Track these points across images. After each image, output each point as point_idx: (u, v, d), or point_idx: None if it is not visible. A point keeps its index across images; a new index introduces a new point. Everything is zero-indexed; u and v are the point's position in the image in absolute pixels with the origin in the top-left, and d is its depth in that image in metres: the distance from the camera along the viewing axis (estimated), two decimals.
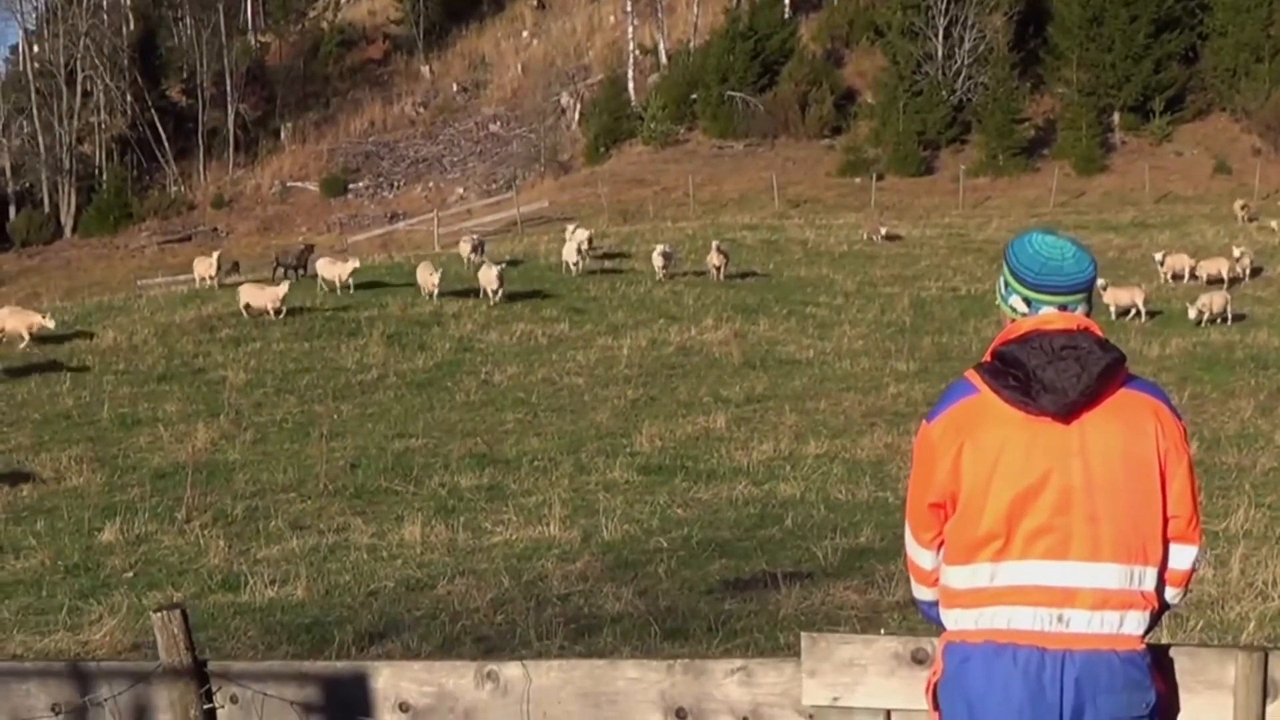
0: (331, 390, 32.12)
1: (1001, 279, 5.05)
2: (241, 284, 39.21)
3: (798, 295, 42.52)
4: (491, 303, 39.90)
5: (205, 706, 5.65)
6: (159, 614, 5.69)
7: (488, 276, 40.23)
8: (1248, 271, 43.91)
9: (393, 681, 5.68)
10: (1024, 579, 4.73)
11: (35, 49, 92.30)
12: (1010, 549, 4.74)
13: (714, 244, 46.62)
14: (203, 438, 27.20)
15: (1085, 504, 4.71)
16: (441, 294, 40.26)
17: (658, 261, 44.28)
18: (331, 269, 41.37)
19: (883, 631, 6.59)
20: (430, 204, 77.37)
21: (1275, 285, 43.83)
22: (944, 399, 4.93)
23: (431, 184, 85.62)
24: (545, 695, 5.53)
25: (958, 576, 4.85)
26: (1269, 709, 5.02)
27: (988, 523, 4.75)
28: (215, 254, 48.20)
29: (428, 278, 40.59)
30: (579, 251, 45.93)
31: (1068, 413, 4.72)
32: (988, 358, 4.89)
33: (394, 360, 34.77)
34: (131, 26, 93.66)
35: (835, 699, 5.32)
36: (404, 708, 5.65)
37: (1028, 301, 4.92)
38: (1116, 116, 77.41)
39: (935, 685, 4.94)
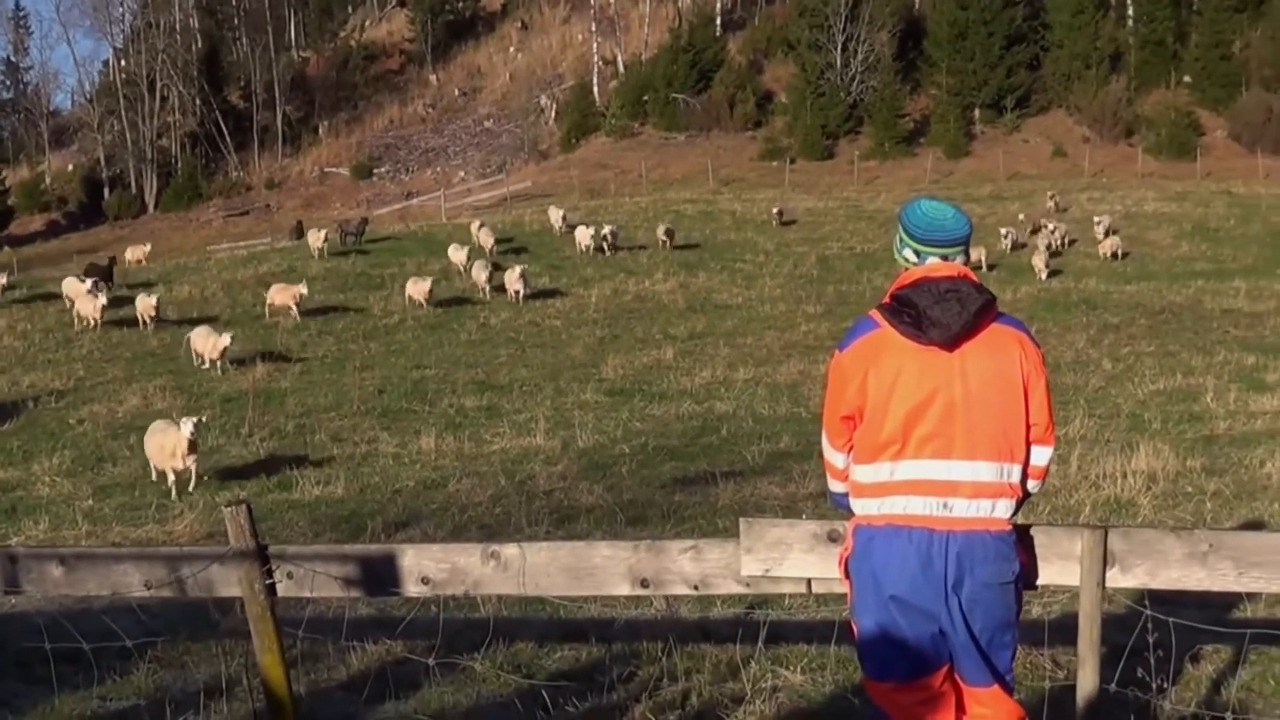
0: (362, 332, 32.03)
1: (896, 236, 5.00)
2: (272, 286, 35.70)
3: (728, 254, 42.51)
4: (518, 303, 35.16)
5: (267, 582, 5.60)
6: (229, 508, 5.63)
7: (511, 278, 35.74)
8: (1065, 241, 43.86)
9: (415, 560, 5.64)
10: (916, 474, 4.73)
11: (123, 63, 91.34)
12: (905, 450, 4.74)
13: (661, 226, 45.54)
14: (260, 370, 27.10)
15: (965, 415, 4.71)
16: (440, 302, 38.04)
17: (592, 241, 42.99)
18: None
19: (803, 516, 6.57)
20: (438, 184, 76.95)
21: (1099, 245, 43.91)
22: (852, 333, 4.90)
23: (439, 168, 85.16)
24: (537, 570, 5.51)
25: (864, 473, 4.84)
26: (1109, 574, 5.02)
27: (887, 430, 4.74)
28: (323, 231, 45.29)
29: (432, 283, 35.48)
30: (593, 238, 43.03)
31: (951, 343, 4.70)
32: (886, 300, 4.86)
33: (411, 307, 34.65)
34: (199, 45, 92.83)
35: (767, 570, 5.31)
36: (425, 580, 5.62)
37: (917, 253, 4.89)
38: (977, 112, 77.49)
39: (846, 559, 4.94)
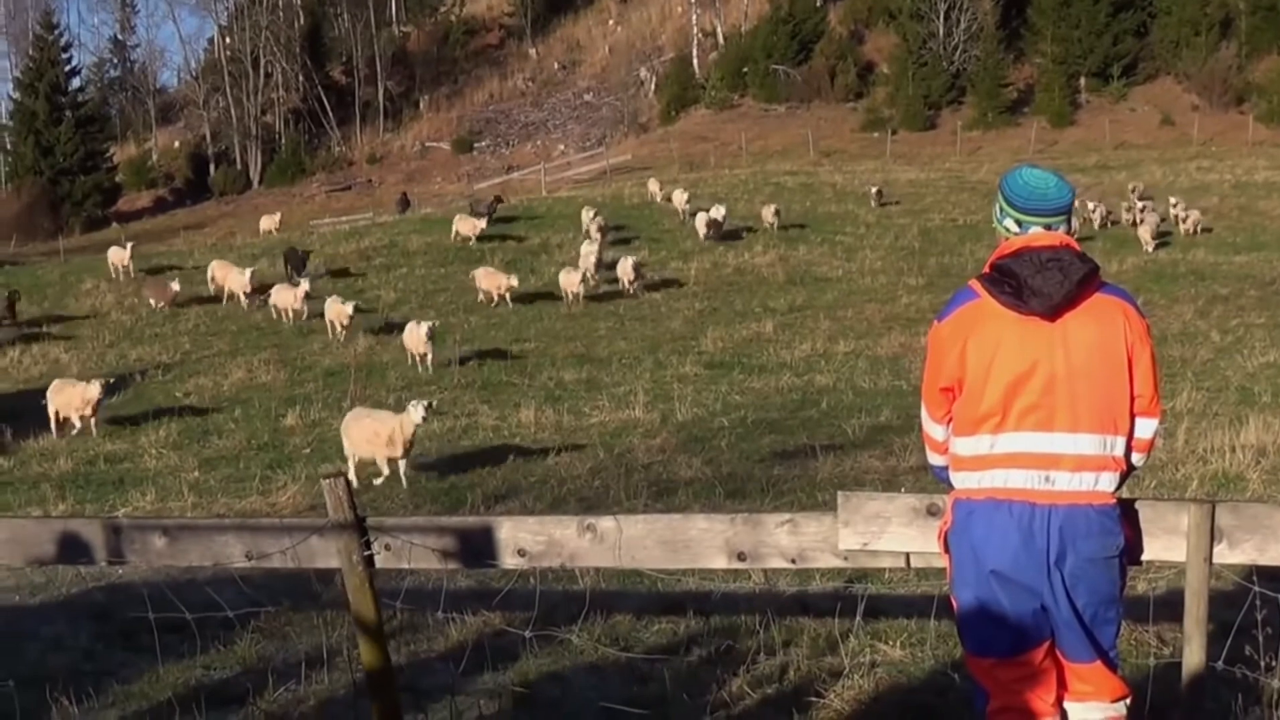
0: (462, 305, 32.21)
1: (997, 205, 4.93)
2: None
3: (829, 226, 42.20)
4: (631, 293, 33.02)
5: (365, 554, 5.64)
6: (327, 480, 5.66)
7: (624, 268, 33.24)
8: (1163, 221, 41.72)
9: (512, 533, 5.64)
10: (1018, 447, 4.67)
11: (227, 40, 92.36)
12: (1006, 423, 4.67)
13: (769, 206, 42.77)
14: (362, 344, 27.35)
15: (1067, 386, 4.64)
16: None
17: (701, 230, 40.22)
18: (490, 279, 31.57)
19: (903, 490, 6.50)
20: (538, 158, 77.19)
21: (1211, 213, 43.12)
22: (951, 303, 4.84)
23: (539, 142, 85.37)
24: (633, 543, 5.48)
25: (964, 445, 4.79)
26: (1216, 550, 4.93)
27: (988, 402, 4.68)
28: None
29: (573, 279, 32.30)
30: (708, 225, 40.20)
31: (1053, 313, 4.63)
32: (987, 269, 4.80)
33: (569, 302, 34.73)
34: (301, 21, 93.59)
35: (865, 544, 5.25)
36: (521, 553, 5.62)
37: (1019, 223, 4.81)
38: (1083, 80, 76.31)
39: (946, 533, 4.89)
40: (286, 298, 31.09)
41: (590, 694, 6.76)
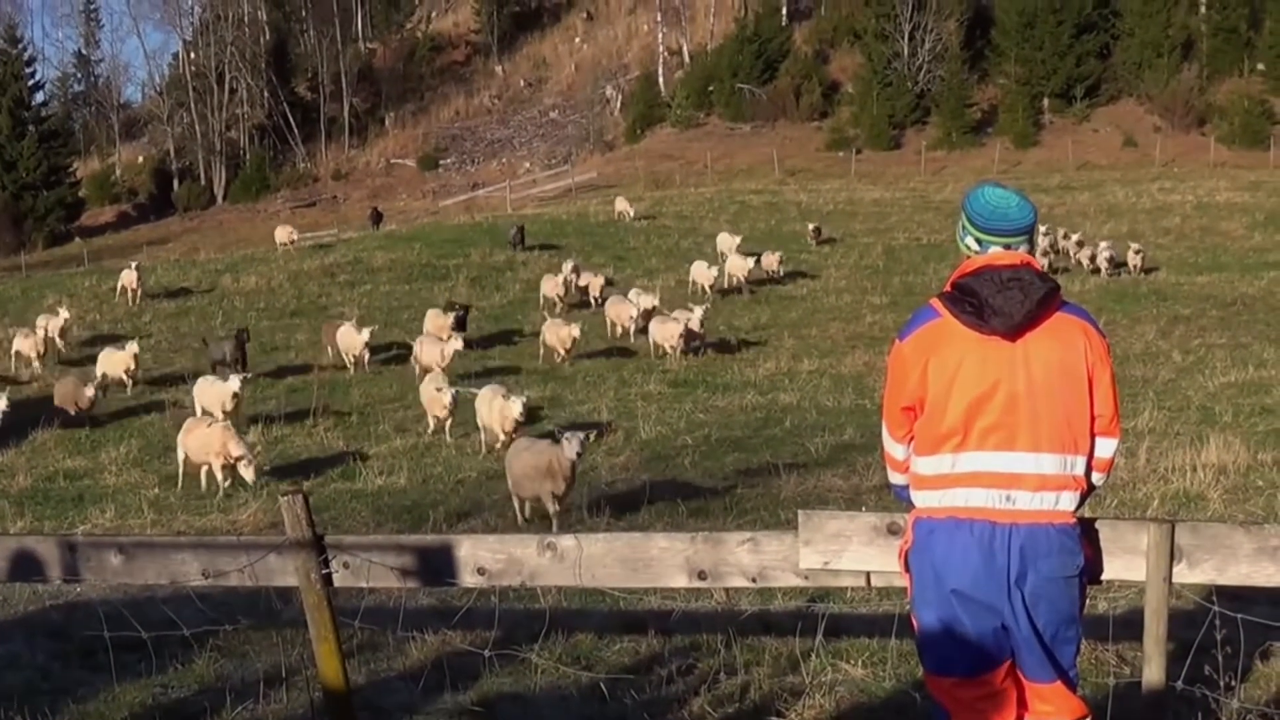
0: None
1: (959, 224, 4.92)
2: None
3: (794, 245, 42.26)
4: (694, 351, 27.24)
5: (323, 572, 5.61)
6: (285, 498, 5.64)
7: (694, 319, 26.89)
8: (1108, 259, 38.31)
9: (472, 551, 5.62)
10: (979, 466, 4.66)
11: (192, 56, 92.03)
12: (968, 442, 4.67)
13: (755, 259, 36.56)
14: (327, 360, 27.25)
15: (1028, 406, 4.63)
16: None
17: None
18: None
19: (864, 509, 6.50)
20: (504, 175, 77.23)
21: (1173, 234, 43.41)
22: (913, 322, 4.82)
23: (504, 160, 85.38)
24: (593, 561, 5.47)
25: (925, 465, 4.78)
26: (1176, 569, 4.94)
27: (949, 421, 4.68)
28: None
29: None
30: (742, 275, 35.53)
31: (1014, 332, 4.63)
32: (948, 288, 4.79)
33: (475, 298, 34.72)
34: (267, 37, 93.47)
35: (826, 563, 5.25)
36: (481, 571, 5.60)
37: (979, 241, 4.81)
38: (1046, 101, 76.74)
39: (906, 552, 4.88)
40: (432, 355, 24.92)
41: (551, 714, 6.73)
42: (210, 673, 7.59)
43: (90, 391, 22.76)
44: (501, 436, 18.31)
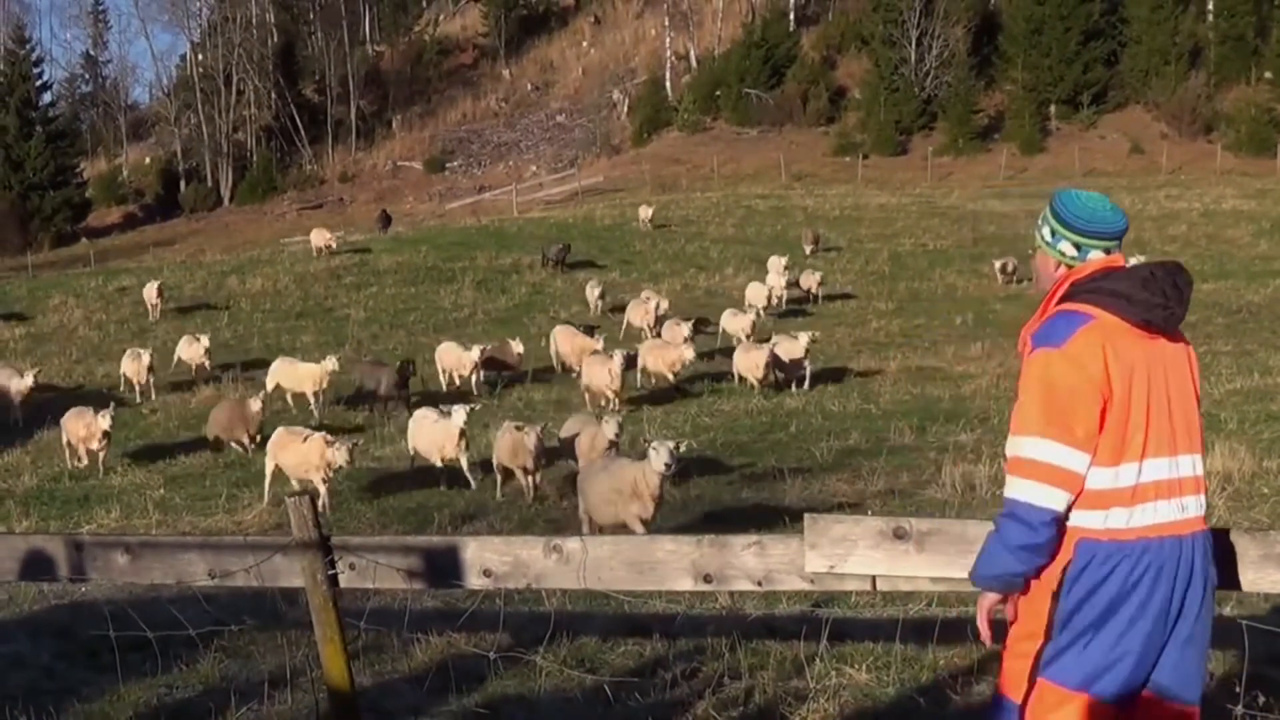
0: (432, 325, 32.17)
1: (1047, 228, 4.63)
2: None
3: (800, 250, 42.25)
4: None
5: (329, 573, 5.60)
6: (292, 499, 5.63)
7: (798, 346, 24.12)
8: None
9: (478, 553, 5.60)
10: (1159, 474, 4.36)
11: (200, 58, 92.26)
12: (1148, 447, 4.36)
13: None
14: (329, 363, 27.24)
15: (1180, 405, 4.46)
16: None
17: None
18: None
19: (869, 513, 6.49)
20: (510, 179, 77.21)
21: (1179, 241, 43.33)
22: (1062, 329, 4.40)
23: (511, 163, 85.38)
24: (599, 564, 5.46)
25: (1103, 477, 4.34)
26: None
27: (1134, 425, 4.35)
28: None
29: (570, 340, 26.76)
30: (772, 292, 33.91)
31: (1174, 328, 4.49)
32: (1058, 294, 4.55)
33: (481, 301, 34.80)
34: (275, 39, 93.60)
35: (831, 567, 5.22)
36: (487, 573, 5.58)
37: (1077, 246, 4.58)
38: (1053, 108, 76.68)
39: (1061, 579, 4.38)
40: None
41: (556, 717, 6.73)
42: (215, 673, 7.60)
43: (257, 406, 20.39)
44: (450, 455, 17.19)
